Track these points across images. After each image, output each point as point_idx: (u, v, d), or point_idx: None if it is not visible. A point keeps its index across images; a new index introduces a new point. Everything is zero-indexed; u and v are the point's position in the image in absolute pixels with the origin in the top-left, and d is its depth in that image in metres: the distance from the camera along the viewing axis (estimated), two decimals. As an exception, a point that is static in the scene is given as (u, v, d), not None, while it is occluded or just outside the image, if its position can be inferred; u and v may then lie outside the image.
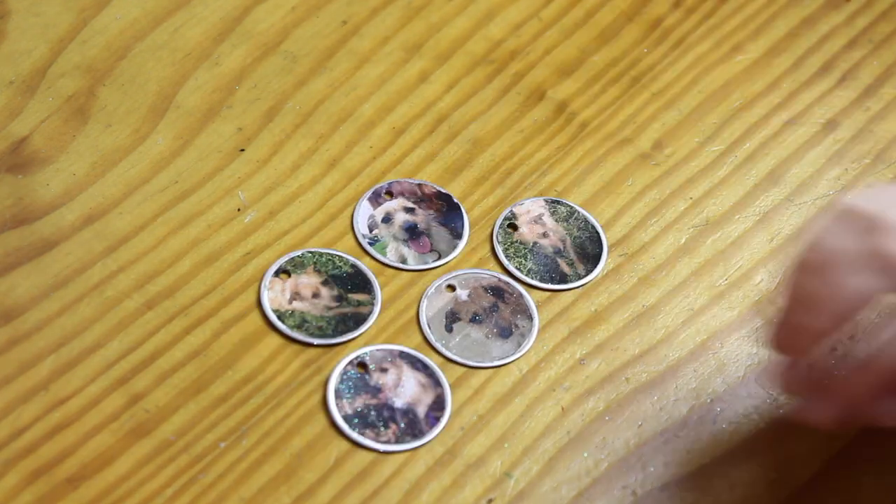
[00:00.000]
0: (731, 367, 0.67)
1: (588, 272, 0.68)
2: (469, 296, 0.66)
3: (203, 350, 0.66)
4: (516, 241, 0.68)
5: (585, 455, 0.64)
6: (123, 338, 0.66)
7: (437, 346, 0.66)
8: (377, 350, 0.66)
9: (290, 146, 0.73)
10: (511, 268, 0.68)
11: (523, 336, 0.67)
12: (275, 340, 0.67)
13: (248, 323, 0.67)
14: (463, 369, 0.66)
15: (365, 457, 0.63)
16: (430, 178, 0.73)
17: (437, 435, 0.64)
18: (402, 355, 0.66)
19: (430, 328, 0.67)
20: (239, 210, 0.71)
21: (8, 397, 0.64)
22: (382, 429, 0.64)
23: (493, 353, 0.66)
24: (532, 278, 0.68)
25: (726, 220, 0.72)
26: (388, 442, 0.64)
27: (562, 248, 0.68)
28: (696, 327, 0.69)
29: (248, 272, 0.69)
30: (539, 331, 0.67)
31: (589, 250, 0.69)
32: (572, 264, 0.67)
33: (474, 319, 0.66)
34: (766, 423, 0.66)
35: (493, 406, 0.66)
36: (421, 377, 0.65)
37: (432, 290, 0.67)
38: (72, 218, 0.70)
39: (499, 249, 0.68)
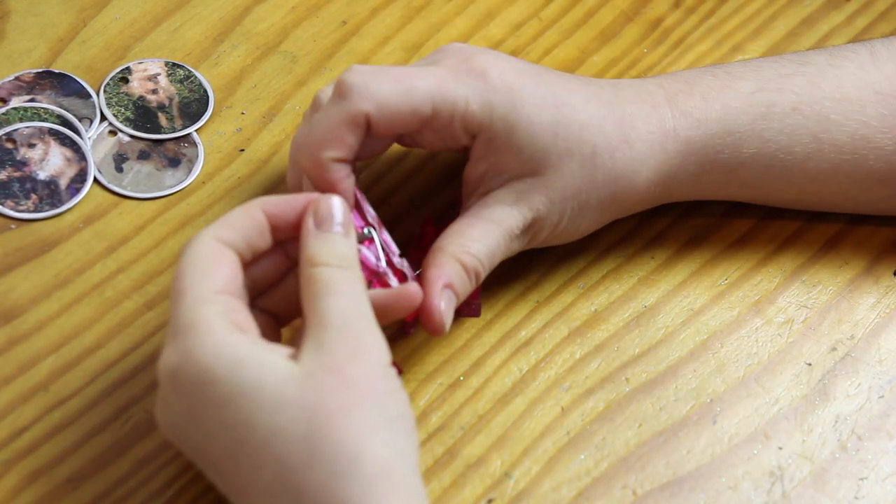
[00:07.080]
0: (731, 367, 0.67)
1: (185, 127, 0.73)
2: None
3: (203, 350, 0.66)
4: (122, 93, 0.73)
5: (585, 455, 0.64)
6: (123, 338, 0.66)
7: (112, 187, 0.70)
8: (26, 127, 0.69)
9: (289, 146, 0.73)
10: (108, 114, 0.72)
11: (192, 161, 0.71)
12: (275, 340, 0.67)
13: (248, 323, 0.67)
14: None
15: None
16: (429, 178, 0.73)
17: (77, 203, 0.68)
18: (51, 132, 0.69)
19: (100, 173, 0.71)
20: (239, 210, 0.71)
21: (8, 397, 0.64)
22: (23, 199, 0.67)
23: (166, 182, 0.71)
24: (127, 126, 0.72)
25: (726, 220, 0.72)
26: (26, 211, 0.67)
27: (166, 104, 0.73)
28: (696, 327, 0.69)
29: (248, 272, 0.69)
30: (205, 154, 0.71)
31: (193, 110, 0.73)
32: (172, 119, 0.73)
33: (141, 156, 0.71)
34: (766, 422, 0.66)
35: (493, 406, 0.66)
36: (67, 152, 0.68)
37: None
38: (72, 218, 0.69)
39: (101, 98, 0.72)
